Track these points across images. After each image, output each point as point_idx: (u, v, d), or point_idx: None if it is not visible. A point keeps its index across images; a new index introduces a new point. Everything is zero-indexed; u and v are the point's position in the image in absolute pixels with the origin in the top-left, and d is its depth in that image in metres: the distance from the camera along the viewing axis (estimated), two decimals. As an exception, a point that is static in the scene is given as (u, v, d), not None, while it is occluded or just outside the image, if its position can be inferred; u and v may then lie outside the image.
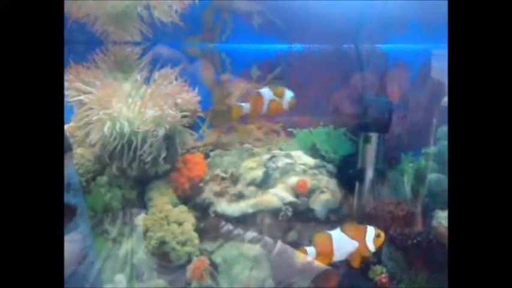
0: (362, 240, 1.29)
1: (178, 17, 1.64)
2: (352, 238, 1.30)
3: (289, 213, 1.62)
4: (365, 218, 1.65)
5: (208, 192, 1.68)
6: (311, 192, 1.67)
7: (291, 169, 1.71)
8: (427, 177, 1.68)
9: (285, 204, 1.63)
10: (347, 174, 1.73)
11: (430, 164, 1.71)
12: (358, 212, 1.69)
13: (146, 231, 1.57)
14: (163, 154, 1.60)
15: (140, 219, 1.62)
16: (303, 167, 1.73)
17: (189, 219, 1.60)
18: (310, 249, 1.29)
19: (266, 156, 1.75)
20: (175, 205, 1.63)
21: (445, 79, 1.81)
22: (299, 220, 1.66)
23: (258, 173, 1.69)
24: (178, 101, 1.64)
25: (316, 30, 1.85)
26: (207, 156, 1.78)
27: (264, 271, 1.59)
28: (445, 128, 1.76)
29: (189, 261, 1.57)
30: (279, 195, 1.65)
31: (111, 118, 1.51)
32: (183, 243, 1.55)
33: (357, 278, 1.58)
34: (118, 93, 1.58)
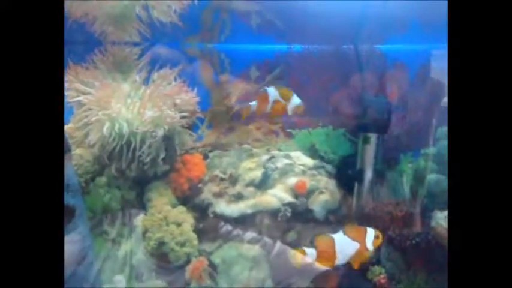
0: (363, 241, 1.30)
1: (177, 17, 1.63)
2: (354, 240, 1.30)
3: (288, 214, 1.62)
4: (364, 219, 1.65)
5: (207, 193, 1.68)
6: (310, 192, 1.67)
7: (290, 170, 1.72)
8: (426, 177, 1.68)
9: (284, 204, 1.63)
10: (346, 174, 1.73)
11: (429, 164, 1.71)
12: (357, 213, 1.70)
13: (145, 232, 1.57)
14: (162, 155, 1.59)
15: (139, 220, 1.62)
16: (302, 167, 1.73)
17: (188, 219, 1.60)
18: (310, 251, 1.29)
19: (265, 157, 1.75)
20: (174, 206, 1.63)
21: (444, 79, 1.81)
22: (298, 221, 1.66)
23: (257, 174, 1.69)
24: (177, 101, 1.63)
25: (315, 31, 1.85)
26: (206, 156, 1.78)
27: (263, 271, 1.59)
28: (444, 129, 1.76)
29: (188, 261, 1.57)
30: (278, 195, 1.65)
31: (110, 119, 1.51)
32: (182, 244, 1.55)
33: (355, 278, 1.58)
34: (117, 93, 1.58)
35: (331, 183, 1.71)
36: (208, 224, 1.66)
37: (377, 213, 1.62)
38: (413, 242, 1.52)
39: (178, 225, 1.57)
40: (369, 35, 1.87)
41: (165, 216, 1.58)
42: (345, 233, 1.30)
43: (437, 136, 1.77)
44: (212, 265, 1.59)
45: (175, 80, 1.70)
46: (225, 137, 1.91)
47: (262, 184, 1.69)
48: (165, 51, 1.79)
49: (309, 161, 1.76)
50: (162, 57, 1.74)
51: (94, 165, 1.62)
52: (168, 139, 1.61)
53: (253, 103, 1.51)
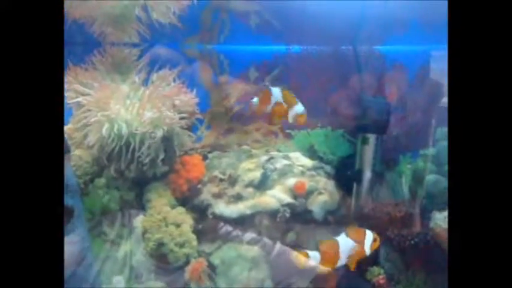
0: (361, 243, 1.30)
1: (176, 18, 1.64)
2: (354, 240, 1.30)
3: (287, 215, 1.62)
4: (363, 219, 1.65)
5: (206, 194, 1.68)
6: (309, 193, 1.67)
7: (289, 170, 1.72)
8: (425, 178, 1.68)
9: (283, 205, 1.63)
10: (345, 175, 1.74)
11: (428, 165, 1.72)
12: (356, 213, 1.70)
13: (144, 232, 1.57)
14: (162, 156, 1.59)
15: (138, 220, 1.62)
16: (301, 168, 1.73)
17: (187, 220, 1.60)
18: (314, 254, 1.29)
19: (264, 158, 1.75)
20: (173, 207, 1.63)
21: (443, 80, 1.82)
22: (297, 221, 1.66)
23: (256, 175, 1.69)
24: (177, 102, 1.64)
25: (313, 32, 1.86)
26: (205, 157, 1.78)
27: (263, 272, 1.59)
28: (443, 129, 1.77)
29: (187, 262, 1.56)
30: (277, 196, 1.65)
31: (109, 120, 1.51)
32: (181, 245, 1.55)
33: (354, 279, 1.58)
34: (116, 94, 1.58)
35: (330, 184, 1.71)
36: (207, 225, 1.66)
37: (376, 213, 1.62)
38: (412, 242, 1.53)
39: (178, 226, 1.57)
40: (367, 36, 1.87)
41: (164, 217, 1.57)
42: (347, 235, 1.31)
43: (436, 137, 1.77)
44: (211, 266, 1.59)
45: (174, 81, 1.70)
46: (224, 138, 1.91)
47: (261, 185, 1.69)
48: (164, 52, 1.79)
49: (308, 162, 1.77)
50: (161, 58, 1.74)
51: (93, 166, 1.62)
52: (167, 140, 1.61)
53: (255, 99, 1.46)
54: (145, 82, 1.69)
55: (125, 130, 1.51)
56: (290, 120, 1.41)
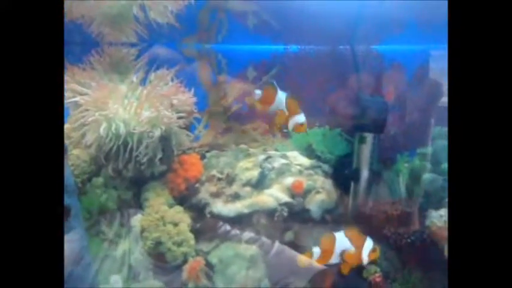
0: (360, 248, 1.28)
1: (174, 17, 1.64)
2: (352, 243, 1.29)
3: (285, 214, 1.63)
4: (360, 218, 1.66)
5: (204, 193, 1.68)
6: (307, 192, 1.67)
7: (286, 170, 1.72)
8: (422, 177, 1.68)
9: (280, 204, 1.64)
10: (343, 174, 1.74)
11: (425, 164, 1.72)
12: (353, 212, 1.70)
13: (142, 231, 1.58)
14: (159, 155, 1.60)
15: (136, 220, 1.62)
16: (298, 167, 1.73)
17: (185, 219, 1.60)
18: (316, 250, 1.29)
19: (262, 157, 1.75)
20: (171, 206, 1.64)
21: (441, 79, 1.82)
22: (295, 220, 1.66)
23: (254, 174, 1.69)
24: (174, 102, 1.64)
25: (311, 31, 1.86)
26: (203, 157, 1.78)
27: (260, 271, 1.59)
28: (439, 128, 1.77)
29: (185, 261, 1.57)
30: (274, 195, 1.65)
31: (107, 119, 1.51)
32: (179, 244, 1.56)
33: (351, 277, 1.57)
34: (114, 94, 1.58)
35: (328, 183, 1.71)
36: (205, 224, 1.66)
37: (373, 212, 1.62)
38: (409, 240, 1.53)
39: (175, 225, 1.58)
40: (365, 35, 1.87)
41: (162, 216, 1.58)
42: (346, 235, 1.29)
43: (432, 136, 1.78)
44: (209, 265, 1.59)
45: (172, 80, 1.70)
46: (222, 137, 1.91)
47: (259, 184, 1.69)
48: (162, 52, 1.79)
49: (306, 161, 1.77)
50: (159, 58, 1.75)
51: (91, 165, 1.63)
52: (165, 139, 1.61)
53: (258, 92, 1.40)
54: (143, 82, 1.70)
55: (122, 129, 1.51)
56: (290, 128, 1.38)
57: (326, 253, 1.28)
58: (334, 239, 1.28)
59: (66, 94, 1.57)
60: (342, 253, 1.28)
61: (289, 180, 1.68)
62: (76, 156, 1.61)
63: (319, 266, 1.43)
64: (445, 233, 1.47)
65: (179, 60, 1.80)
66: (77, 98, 1.55)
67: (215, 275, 1.59)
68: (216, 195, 1.68)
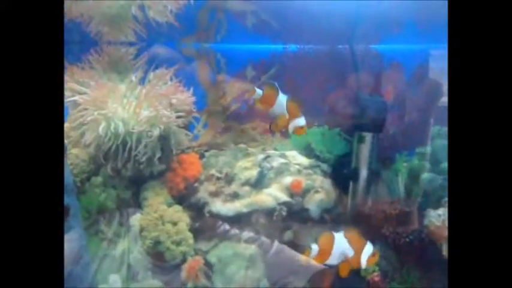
0: (359, 252, 1.25)
1: (173, 17, 1.64)
2: (351, 245, 1.27)
3: (284, 213, 1.63)
4: (359, 217, 1.66)
5: (203, 192, 1.68)
6: (305, 192, 1.67)
7: (285, 169, 1.72)
8: (420, 176, 1.68)
9: (279, 204, 1.64)
10: (341, 173, 1.74)
11: (424, 163, 1.72)
12: (352, 212, 1.70)
13: (141, 231, 1.58)
14: (158, 154, 1.60)
15: (135, 219, 1.62)
16: (297, 167, 1.73)
17: (183, 219, 1.60)
18: (314, 247, 1.27)
19: (261, 156, 1.75)
20: (170, 205, 1.64)
21: (440, 79, 1.82)
22: (294, 220, 1.66)
23: (253, 173, 1.69)
24: (173, 101, 1.64)
25: (310, 31, 1.86)
26: (202, 156, 1.78)
27: (259, 271, 1.59)
28: (438, 128, 1.77)
29: (184, 261, 1.57)
30: (273, 195, 1.65)
31: (106, 118, 1.51)
32: (178, 243, 1.56)
33: (349, 277, 1.58)
34: (113, 93, 1.58)
35: (327, 183, 1.71)
36: (204, 223, 1.66)
37: (372, 211, 1.62)
38: (407, 240, 1.53)
39: (174, 224, 1.58)
40: (364, 34, 1.87)
41: (161, 215, 1.58)
42: (345, 236, 1.27)
43: (431, 135, 1.78)
44: (208, 264, 1.59)
45: (171, 79, 1.70)
46: (220, 137, 1.91)
47: (258, 183, 1.69)
48: (161, 51, 1.79)
49: (305, 160, 1.77)
50: (158, 57, 1.75)
51: (90, 164, 1.63)
52: (163, 139, 1.61)
53: (259, 91, 1.35)
54: (142, 81, 1.69)
55: (121, 129, 1.51)
56: (290, 130, 1.35)
57: (324, 252, 1.27)
58: (332, 238, 1.26)
59: (66, 93, 1.57)
60: (341, 255, 1.26)
61: (288, 180, 1.69)
62: (75, 156, 1.61)
63: (317, 265, 1.42)
64: (444, 233, 1.47)
65: (178, 60, 1.80)
66: (76, 97, 1.55)
67: (214, 275, 1.59)
68: (215, 194, 1.68)
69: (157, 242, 1.55)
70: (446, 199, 1.55)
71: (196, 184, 1.70)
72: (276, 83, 1.36)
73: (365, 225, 1.62)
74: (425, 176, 1.67)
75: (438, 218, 1.50)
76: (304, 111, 1.42)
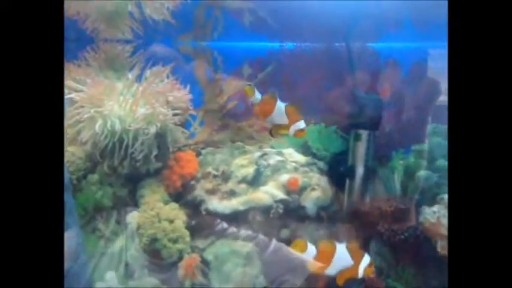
0: (357, 262, 1.28)
1: (169, 14, 1.64)
2: (351, 257, 1.29)
3: (281, 211, 1.63)
4: (355, 215, 1.66)
5: (199, 190, 1.69)
6: (302, 189, 1.68)
7: (282, 167, 1.72)
8: (416, 174, 1.69)
9: (276, 201, 1.64)
10: (338, 171, 1.74)
11: (419, 161, 1.73)
12: (348, 209, 1.71)
13: (137, 228, 1.58)
14: (155, 152, 1.60)
15: (131, 216, 1.62)
16: (294, 164, 1.74)
17: (180, 216, 1.60)
18: (312, 248, 1.28)
19: (257, 154, 1.75)
20: (166, 203, 1.63)
21: (436, 76, 1.83)
22: (290, 217, 1.67)
23: (250, 171, 1.69)
24: (170, 99, 1.64)
25: (307, 29, 1.86)
26: (198, 154, 1.78)
27: (256, 268, 1.60)
28: (434, 126, 1.78)
29: (181, 258, 1.57)
30: (270, 192, 1.66)
31: (102, 116, 1.51)
32: (175, 241, 1.56)
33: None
34: (109, 91, 1.58)
35: (323, 180, 1.71)
36: (200, 221, 1.66)
37: (367, 209, 1.63)
38: (402, 237, 1.54)
39: (171, 221, 1.58)
40: (361, 32, 1.88)
41: (158, 213, 1.58)
42: (347, 247, 1.29)
43: (427, 133, 1.78)
44: (205, 262, 1.59)
45: (167, 77, 1.70)
46: (217, 134, 1.91)
47: (255, 181, 1.69)
48: (158, 49, 1.79)
49: (301, 158, 1.77)
50: (155, 55, 1.75)
51: (86, 162, 1.62)
52: (160, 136, 1.61)
53: (258, 96, 1.35)
54: (139, 78, 1.69)
55: (118, 126, 1.51)
56: (291, 133, 1.37)
57: (323, 259, 1.28)
58: (334, 248, 1.28)
59: (62, 91, 1.57)
60: (340, 266, 1.27)
61: (284, 177, 1.69)
62: (71, 153, 1.60)
63: (313, 268, 1.41)
64: (438, 229, 1.48)
65: (175, 57, 1.79)
66: (72, 95, 1.55)
67: (211, 272, 1.59)
68: (211, 192, 1.68)
69: (153, 240, 1.55)
70: (441, 196, 1.56)
71: (192, 182, 1.70)
72: (276, 92, 1.36)
73: (361, 222, 1.63)
74: (421, 173, 1.68)
75: (433, 214, 1.50)
76: (301, 109, 1.43)
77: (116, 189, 1.64)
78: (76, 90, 1.56)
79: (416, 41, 1.93)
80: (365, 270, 1.29)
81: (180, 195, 1.70)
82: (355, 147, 1.72)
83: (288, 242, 1.62)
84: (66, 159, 1.57)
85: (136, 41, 1.73)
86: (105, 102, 1.53)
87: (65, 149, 1.60)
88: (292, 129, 1.37)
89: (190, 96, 1.71)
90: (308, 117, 1.86)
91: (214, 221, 1.65)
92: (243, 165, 1.71)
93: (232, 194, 1.67)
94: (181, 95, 1.68)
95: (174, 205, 1.63)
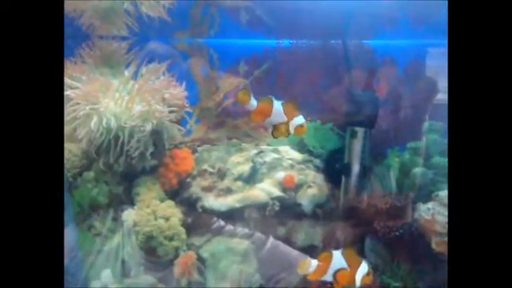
0: (354, 270, 1.27)
1: (165, 11, 1.63)
2: (348, 264, 1.28)
3: (276, 208, 1.63)
4: (350, 212, 1.66)
5: (195, 187, 1.69)
6: (298, 186, 1.68)
7: (278, 164, 1.72)
8: (411, 171, 1.69)
9: (272, 198, 1.64)
10: (334, 168, 1.74)
11: (415, 158, 1.73)
12: (344, 206, 1.71)
13: (133, 226, 1.57)
14: (151, 149, 1.60)
15: (127, 214, 1.62)
16: (290, 162, 1.74)
17: (176, 214, 1.60)
18: (314, 262, 1.28)
19: (253, 151, 1.75)
20: (162, 200, 1.63)
21: (433, 74, 1.83)
22: (286, 215, 1.67)
23: (246, 168, 1.70)
24: (166, 96, 1.64)
25: (303, 26, 1.86)
26: (194, 151, 1.78)
27: (252, 266, 1.60)
28: (430, 123, 1.78)
29: (177, 256, 1.57)
30: (266, 190, 1.66)
31: (98, 113, 1.51)
32: (171, 238, 1.56)
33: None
34: (105, 88, 1.58)
35: (319, 178, 1.72)
36: (196, 218, 1.66)
37: (363, 206, 1.63)
38: (397, 233, 1.54)
39: (167, 219, 1.58)
40: (358, 30, 1.88)
41: (154, 210, 1.58)
42: (342, 254, 1.28)
43: (423, 130, 1.79)
44: (201, 259, 1.59)
45: (163, 74, 1.70)
46: (213, 132, 1.91)
47: (251, 178, 1.70)
48: (154, 46, 1.79)
49: (297, 155, 1.77)
50: (151, 52, 1.74)
51: (82, 159, 1.62)
52: (156, 133, 1.61)
53: (253, 102, 1.31)
54: (135, 76, 1.69)
55: (113, 123, 1.51)
56: (291, 131, 1.33)
57: (321, 269, 1.28)
58: (331, 257, 1.27)
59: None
60: (336, 272, 1.27)
61: (280, 175, 1.69)
62: (67, 150, 1.60)
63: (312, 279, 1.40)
64: (433, 226, 1.49)
65: (171, 55, 1.79)
66: (68, 92, 1.54)
67: (207, 270, 1.59)
68: (207, 189, 1.68)
69: (149, 237, 1.55)
70: (436, 193, 1.57)
71: (188, 179, 1.70)
72: (272, 97, 1.34)
73: (356, 219, 1.63)
74: (416, 170, 1.68)
75: (428, 211, 1.51)
76: (297, 106, 1.42)
77: (111, 187, 1.64)
78: (71, 87, 1.56)
79: (413, 39, 1.94)
80: (362, 279, 1.26)
81: (176, 193, 1.70)
82: (351, 144, 1.72)
83: (284, 239, 1.63)
84: (61, 156, 1.57)
85: (132, 38, 1.72)
86: (100, 100, 1.53)
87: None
88: (292, 126, 1.35)
89: (186, 93, 1.70)
90: (304, 114, 1.85)
91: (210, 219, 1.65)
92: (239, 162, 1.71)
93: (228, 191, 1.67)
94: (177, 92, 1.67)
95: (170, 202, 1.64)
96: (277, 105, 1.32)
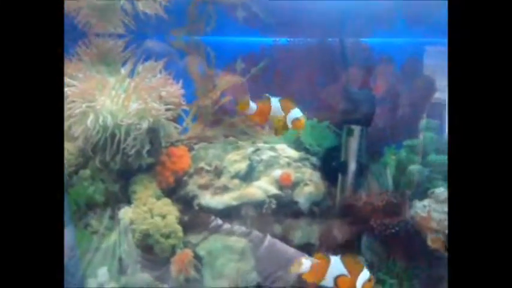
0: (355, 276, 1.27)
1: (162, 9, 1.63)
2: (347, 270, 1.27)
3: (273, 206, 1.63)
4: (347, 210, 1.67)
5: (192, 185, 1.68)
6: (295, 184, 1.68)
7: (275, 162, 1.72)
8: (407, 168, 1.70)
9: (269, 196, 1.64)
10: (330, 166, 1.75)
11: (411, 156, 1.73)
12: (340, 204, 1.71)
13: (130, 224, 1.57)
14: (147, 147, 1.59)
15: (124, 212, 1.62)
16: (287, 159, 1.74)
17: (173, 212, 1.60)
18: (307, 262, 1.27)
19: (250, 149, 1.75)
20: (159, 198, 1.63)
21: (430, 73, 1.84)
22: (283, 213, 1.67)
23: (242, 166, 1.70)
24: (163, 94, 1.63)
25: (300, 24, 1.86)
26: (191, 149, 1.78)
27: (249, 264, 1.60)
28: (426, 121, 1.79)
29: (174, 254, 1.57)
30: (263, 187, 1.66)
31: (94, 111, 1.50)
32: (167, 236, 1.56)
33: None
34: (101, 86, 1.57)
35: (316, 175, 1.72)
36: (193, 216, 1.66)
37: (360, 203, 1.63)
38: (393, 231, 1.54)
39: (163, 217, 1.57)
40: (355, 28, 1.88)
41: (150, 208, 1.58)
42: (341, 259, 1.28)
43: (420, 128, 1.79)
44: (197, 257, 1.59)
45: (160, 72, 1.69)
46: (210, 130, 1.90)
47: (248, 176, 1.70)
48: (151, 44, 1.78)
49: (294, 153, 1.77)
50: (147, 50, 1.74)
51: (78, 157, 1.62)
52: (152, 131, 1.61)
53: (253, 106, 1.33)
54: (131, 73, 1.68)
55: (110, 121, 1.50)
56: (290, 126, 1.34)
57: (317, 272, 1.27)
58: (328, 262, 1.27)
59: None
60: (337, 278, 1.26)
61: (277, 173, 1.69)
62: (63, 149, 1.60)
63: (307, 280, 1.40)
64: (429, 223, 1.49)
65: (167, 52, 1.79)
66: (64, 90, 1.54)
67: (203, 268, 1.59)
68: (204, 187, 1.68)
69: (146, 235, 1.54)
70: (432, 190, 1.57)
71: (185, 177, 1.70)
72: (269, 95, 1.34)
73: (353, 217, 1.63)
74: (412, 167, 1.69)
75: (423, 208, 1.52)
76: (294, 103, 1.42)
77: (108, 185, 1.64)
78: (68, 85, 1.55)
79: (410, 37, 1.94)
80: (364, 285, 1.26)
81: (173, 191, 1.70)
82: (347, 142, 1.73)
83: (280, 236, 1.63)
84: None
85: (128, 36, 1.71)
86: (97, 97, 1.52)
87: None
88: (289, 120, 1.35)
89: (183, 91, 1.70)
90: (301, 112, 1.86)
91: (207, 217, 1.65)
92: (235, 160, 1.71)
93: (225, 189, 1.67)
94: (174, 90, 1.67)
95: (166, 200, 1.63)
96: (275, 102, 1.33)
